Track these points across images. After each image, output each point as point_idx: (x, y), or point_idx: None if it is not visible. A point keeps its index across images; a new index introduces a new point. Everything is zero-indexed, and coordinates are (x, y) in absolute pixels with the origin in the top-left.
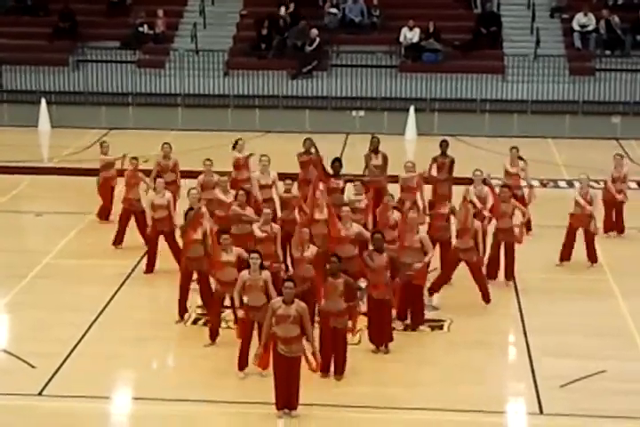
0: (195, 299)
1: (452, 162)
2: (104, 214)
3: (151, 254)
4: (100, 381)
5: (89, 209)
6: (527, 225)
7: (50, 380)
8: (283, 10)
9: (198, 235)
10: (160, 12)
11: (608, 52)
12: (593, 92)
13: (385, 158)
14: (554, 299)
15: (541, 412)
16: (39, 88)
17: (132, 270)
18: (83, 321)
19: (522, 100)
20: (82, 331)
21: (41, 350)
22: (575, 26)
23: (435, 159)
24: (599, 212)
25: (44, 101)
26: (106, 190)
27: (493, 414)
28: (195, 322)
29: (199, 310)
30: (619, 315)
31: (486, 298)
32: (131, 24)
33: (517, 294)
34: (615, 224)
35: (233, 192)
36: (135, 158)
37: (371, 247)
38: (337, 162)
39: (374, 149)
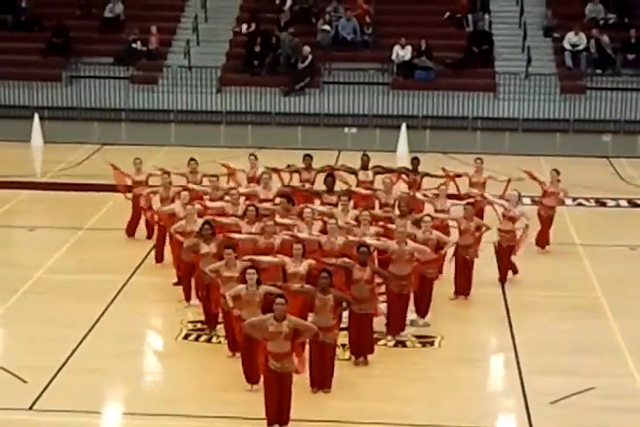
0: (186, 314)
1: (423, 177)
2: (131, 230)
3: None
4: (91, 395)
5: (81, 224)
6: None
7: (41, 394)
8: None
9: (212, 248)
10: (153, 29)
11: (599, 71)
12: (584, 111)
13: (374, 175)
14: (544, 316)
15: None
16: (32, 103)
17: (124, 286)
18: (74, 336)
19: (513, 118)
20: (73, 346)
21: (32, 364)
22: (566, 45)
23: (407, 175)
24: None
25: (36, 117)
26: (136, 206)
27: None
28: (186, 337)
29: (190, 326)
30: (609, 332)
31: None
32: (124, 40)
33: (508, 311)
34: (544, 238)
35: (242, 206)
36: (167, 173)
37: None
38: (330, 177)
39: (364, 167)
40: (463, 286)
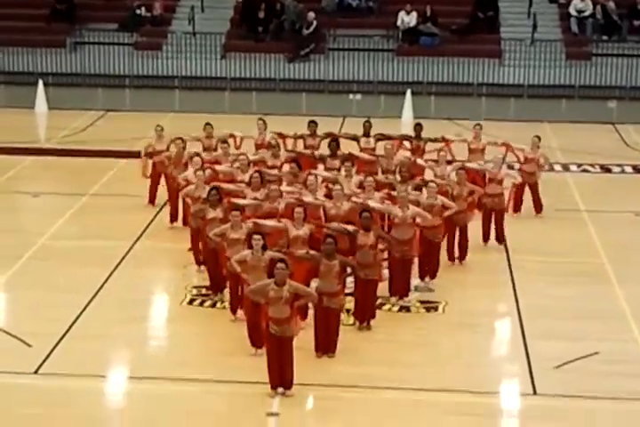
0: (191, 279)
1: (426, 143)
2: (152, 197)
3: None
4: (96, 360)
5: (85, 190)
6: (478, 205)
7: (46, 359)
8: None
9: (218, 213)
10: None
11: (605, 37)
12: (589, 77)
13: (376, 140)
14: (548, 281)
15: (535, 393)
16: (36, 70)
17: (128, 251)
18: (79, 302)
19: (518, 85)
20: (78, 311)
21: (37, 329)
22: (572, 11)
23: (410, 141)
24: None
25: (41, 83)
26: (156, 175)
27: (487, 394)
28: (190, 302)
29: (195, 291)
30: (613, 298)
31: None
32: (128, 6)
33: (512, 277)
34: (534, 204)
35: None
36: (181, 139)
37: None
38: (334, 142)
39: (366, 133)
40: (459, 251)
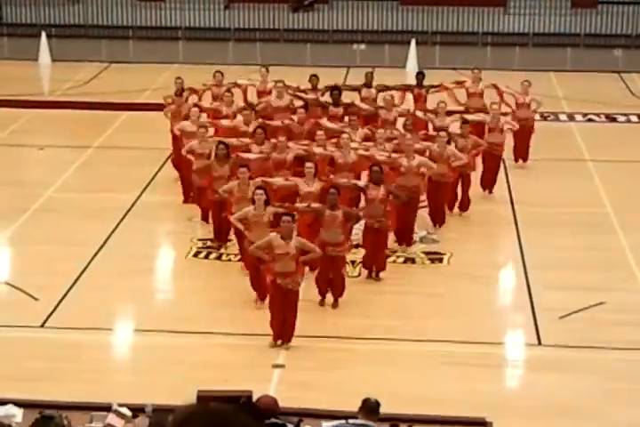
0: (195, 232)
1: (428, 91)
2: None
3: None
4: (102, 313)
5: (90, 143)
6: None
7: (52, 312)
8: None
9: (225, 170)
10: None
11: None
12: (595, 25)
13: (377, 91)
14: (553, 232)
15: (540, 343)
16: (39, 21)
17: (133, 204)
18: (84, 254)
19: (523, 33)
20: (84, 264)
21: (43, 282)
22: None
23: (412, 90)
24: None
25: (44, 35)
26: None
27: (492, 345)
28: (195, 255)
29: (200, 244)
30: (618, 248)
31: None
32: None
33: (517, 228)
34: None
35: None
36: (192, 89)
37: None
38: (336, 90)
39: (367, 84)
40: (461, 202)
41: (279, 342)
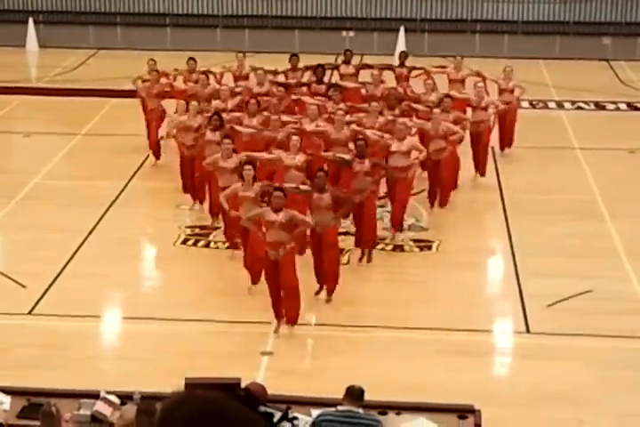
0: (184, 219)
1: (410, 71)
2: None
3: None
4: (90, 300)
5: (78, 130)
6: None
7: (40, 299)
8: None
9: (216, 136)
10: None
11: None
12: (584, 13)
13: (357, 69)
14: (541, 219)
15: (528, 331)
16: (26, 7)
17: (121, 191)
18: (72, 241)
19: (512, 21)
20: (71, 251)
21: (31, 269)
22: None
23: (393, 70)
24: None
25: (31, 21)
26: None
27: (480, 332)
28: (184, 242)
29: (188, 231)
30: (606, 236)
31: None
32: None
33: (506, 216)
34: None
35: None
36: (156, 71)
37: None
38: (320, 68)
39: (346, 61)
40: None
41: (283, 322)
